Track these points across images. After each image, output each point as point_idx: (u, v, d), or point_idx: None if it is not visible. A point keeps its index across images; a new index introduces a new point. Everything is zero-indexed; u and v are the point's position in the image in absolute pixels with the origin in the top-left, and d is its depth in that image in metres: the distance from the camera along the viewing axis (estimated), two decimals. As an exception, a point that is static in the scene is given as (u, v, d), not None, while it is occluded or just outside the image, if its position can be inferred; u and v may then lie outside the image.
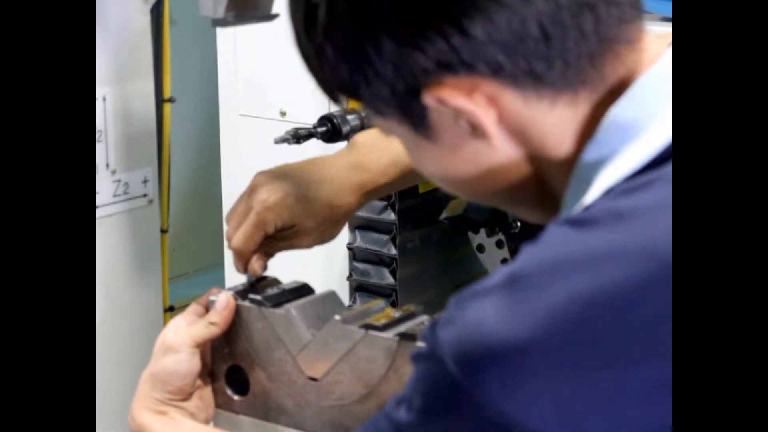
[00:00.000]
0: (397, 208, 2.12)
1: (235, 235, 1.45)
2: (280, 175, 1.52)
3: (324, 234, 1.51)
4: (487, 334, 0.86)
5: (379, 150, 1.52)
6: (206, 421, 1.39)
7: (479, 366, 0.86)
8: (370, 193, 1.52)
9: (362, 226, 2.16)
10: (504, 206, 1.06)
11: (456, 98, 0.92)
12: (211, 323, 1.37)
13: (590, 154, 0.93)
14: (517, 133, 0.94)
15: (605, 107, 0.92)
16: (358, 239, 2.16)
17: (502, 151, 0.96)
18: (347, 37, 0.96)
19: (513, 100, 0.92)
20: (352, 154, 1.53)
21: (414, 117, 0.96)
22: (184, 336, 1.35)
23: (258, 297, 1.41)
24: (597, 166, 0.92)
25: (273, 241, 1.48)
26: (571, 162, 0.95)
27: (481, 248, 2.09)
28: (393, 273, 2.16)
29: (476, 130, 0.94)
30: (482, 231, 2.08)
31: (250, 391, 1.43)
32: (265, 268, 1.47)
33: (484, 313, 0.87)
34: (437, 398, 0.90)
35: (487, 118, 0.93)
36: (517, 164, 0.96)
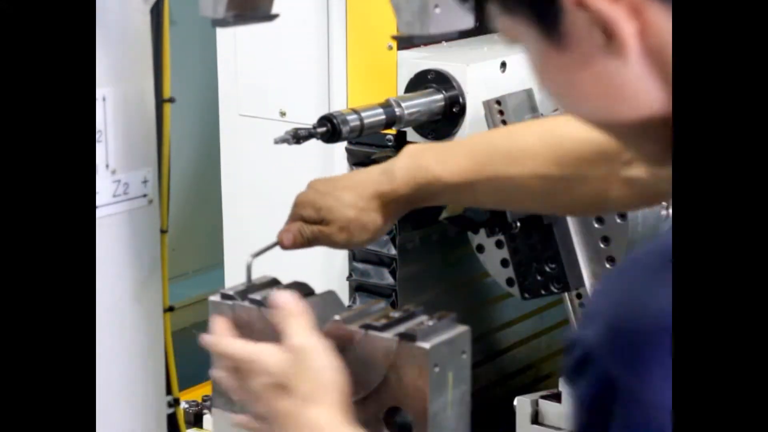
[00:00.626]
0: (396, 208, 2.12)
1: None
2: (326, 177, 1.61)
3: (352, 235, 1.55)
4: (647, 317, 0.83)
5: (415, 161, 1.54)
6: None
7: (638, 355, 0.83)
8: (390, 203, 1.54)
9: (362, 227, 2.16)
10: (624, 138, 0.98)
11: (598, 1, 0.86)
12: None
13: None
14: (654, 54, 0.88)
15: None
16: (358, 239, 2.16)
17: (634, 72, 0.89)
18: None
19: (657, 15, 0.86)
20: (391, 160, 1.56)
21: (547, 19, 0.90)
22: (312, 335, 1.31)
23: (257, 297, 1.41)
24: None
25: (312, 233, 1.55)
26: None
27: (480, 248, 2.09)
28: (393, 273, 2.15)
29: (612, 43, 0.88)
30: (482, 231, 2.08)
31: (250, 391, 1.43)
32: (293, 241, 1.55)
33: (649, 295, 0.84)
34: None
35: (627, 28, 0.86)
36: (647, 91, 0.89)
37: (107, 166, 1.53)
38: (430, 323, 1.34)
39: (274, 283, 1.47)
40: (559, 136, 1.50)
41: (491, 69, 2.09)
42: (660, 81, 0.88)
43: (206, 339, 1.39)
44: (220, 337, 1.38)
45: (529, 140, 1.53)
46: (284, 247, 1.57)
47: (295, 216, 1.57)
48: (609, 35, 0.87)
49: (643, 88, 0.89)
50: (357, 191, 1.54)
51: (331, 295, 1.46)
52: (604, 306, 0.87)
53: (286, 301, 1.33)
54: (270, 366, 1.30)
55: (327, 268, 2.20)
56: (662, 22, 0.86)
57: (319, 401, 1.26)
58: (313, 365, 1.28)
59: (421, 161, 1.53)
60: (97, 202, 1.51)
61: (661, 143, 0.92)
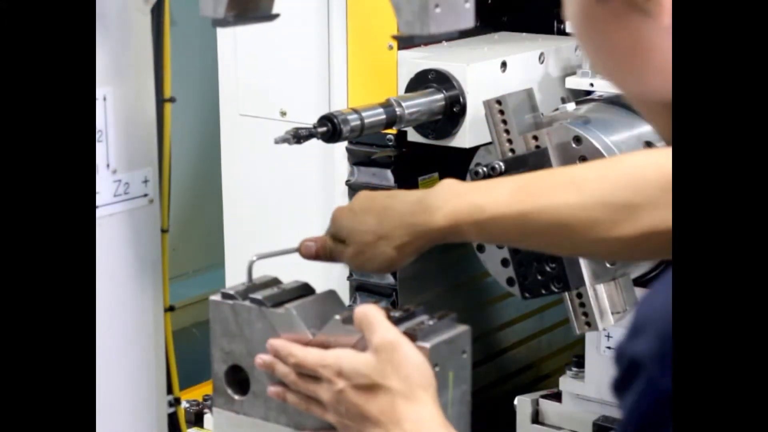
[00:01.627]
0: (397, 208, 2.11)
1: None
2: (371, 193, 1.53)
3: (364, 261, 1.49)
4: None
5: (454, 189, 1.45)
6: None
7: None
8: (419, 236, 1.45)
9: (362, 226, 2.16)
10: (651, 114, 0.97)
11: None
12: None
13: None
14: None
15: None
16: (359, 239, 2.16)
17: (666, 36, 0.88)
18: None
19: None
20: (427, 190, 1.48)
21: None
22: (396, 331, 1.30)
23: (258, 297, 1.42)
24: None
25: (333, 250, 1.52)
26: None
27: (481, 248, 2.09)
28: (393, 273, 2.15)
29: (649, 5, 0.88)
30: (482, 231, 2.07)
31: (250, 391, 1.43)
32: (313, 253, 1.53)
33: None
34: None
35: None
36: None
37: (108, 165, 1.53)
38: (431, 323, 1.34)
39: (274, 282, 1.47)
40: (629, 161, 1.42)
41: (491, 69, 2.09)
42: None
43: (278, 348, 1.36)
44: (291, 346, 1.35)
45: (594, 165, 1.46)
46: (303, 256, 1.55)
47: (329, 230, 1.54)
48: None
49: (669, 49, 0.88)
50: (382, 216, 1.47)
51: (331, 295, 1.46)
52: (654, 316, 0.85)
53: (363, 307, 1.31)
54: (359, 366, 1.27)
55: (327, 268, 2.20)
56: None
57: (416, 397, 1.24)
58: (405, 360, 1.26)
59: (461, 190, 1.44)
60: (98, 202, 1.51)
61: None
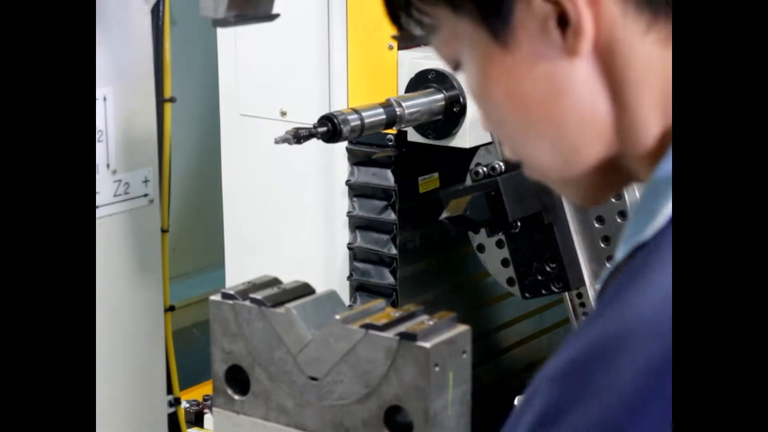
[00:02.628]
0: (397, 207, 2.12)
1: None
2: None
3: None
4: None
5: None
6: None
7: None
8: None
9: (362, 226, 2.16)
10: (560, 172, 0.91)
11: None
12: None
13: (668, 164, 0.81)
14: (603, 54, 0.84)
15: None
16: (359, 239, 2.16)
17: (581, 74, 0.85)
18: None
19: (612, 5, 0.82)
20: None
21: (497, 17, 0.85)
22: None
23: (258, 297, 1.42)
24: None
25: None
26: (649, 147, 0.83)
27: (481, 248, 2.09)
28: (393, 273, 2.15)
29: (565, 36, 0.84)
30: (482, 231, 2.08)
31: (250, 391, 1.43)
32: None
33: None
34: None
35: (585, 14, 0.82)
36: (592, 95, 0.85)
37: (108, 165, 1.53)
38: (431, 323, 1.34)
39: (274, 282, 1.47)
40: None
41: (492, 69, 2.09)
42: (605, 88, 0.86)
43: None
44: None
45: None
46: None
47: None
48: (563, 24, 0.84)
49: (586, 93, 0.86)
50: None
51: (331, 295, 1.46)
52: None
53: None
54: None
55: (327, 268, 2.20)
56: (615, 13, 0.83)
57: None
58: None
59: None
60: (98, 202, 1.51)
61: (595, 178, 0.89)
